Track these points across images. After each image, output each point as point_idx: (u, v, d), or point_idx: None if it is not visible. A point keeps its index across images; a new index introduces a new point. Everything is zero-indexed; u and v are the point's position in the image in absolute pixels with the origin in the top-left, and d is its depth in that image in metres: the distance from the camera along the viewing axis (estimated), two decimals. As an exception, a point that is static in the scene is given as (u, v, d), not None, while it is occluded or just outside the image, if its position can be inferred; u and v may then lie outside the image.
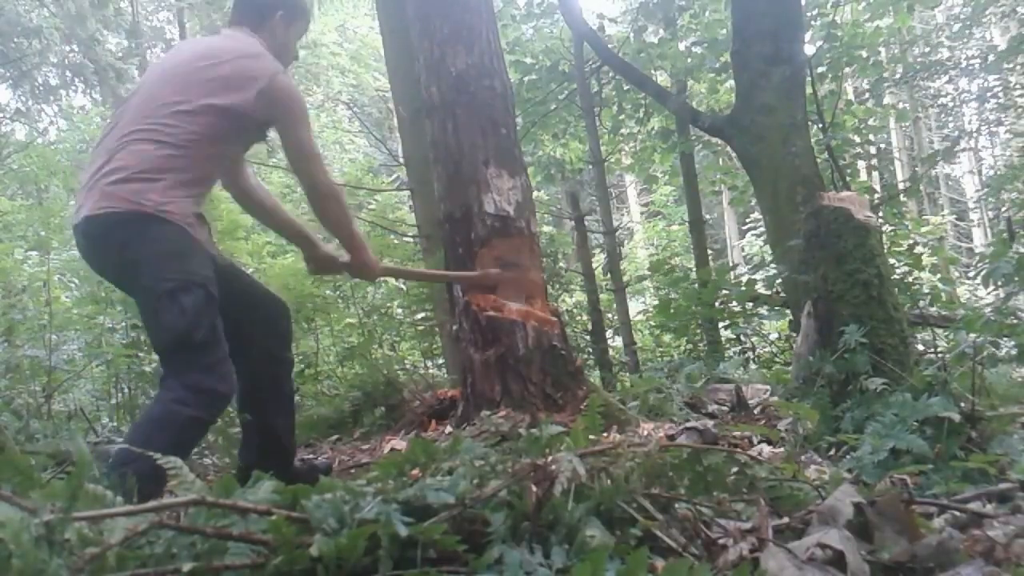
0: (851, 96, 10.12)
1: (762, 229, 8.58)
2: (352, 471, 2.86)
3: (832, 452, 2.26)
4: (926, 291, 5.48)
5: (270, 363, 2.44)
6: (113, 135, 2.17)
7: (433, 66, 3.29)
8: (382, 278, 2.65)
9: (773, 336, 6.82)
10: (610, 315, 7.65)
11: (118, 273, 2.20)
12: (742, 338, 6.38)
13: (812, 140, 5.27)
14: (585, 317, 7.30)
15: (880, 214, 5.87)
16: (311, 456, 3.36)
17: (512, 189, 3.16)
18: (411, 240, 6.13)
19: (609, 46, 7.35)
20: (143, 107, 2.18)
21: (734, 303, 6.01)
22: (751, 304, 6.03)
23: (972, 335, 2.75)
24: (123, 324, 4.84)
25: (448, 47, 3.26)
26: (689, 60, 7.91)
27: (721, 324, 6.49)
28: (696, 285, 6.28)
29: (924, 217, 13.13)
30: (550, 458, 1.06)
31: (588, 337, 6.76)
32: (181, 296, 2.04)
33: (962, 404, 2.04)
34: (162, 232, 2.06)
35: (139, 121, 2.15)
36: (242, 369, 2.41)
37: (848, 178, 6.59)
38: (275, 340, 2.46)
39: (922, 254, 5.57)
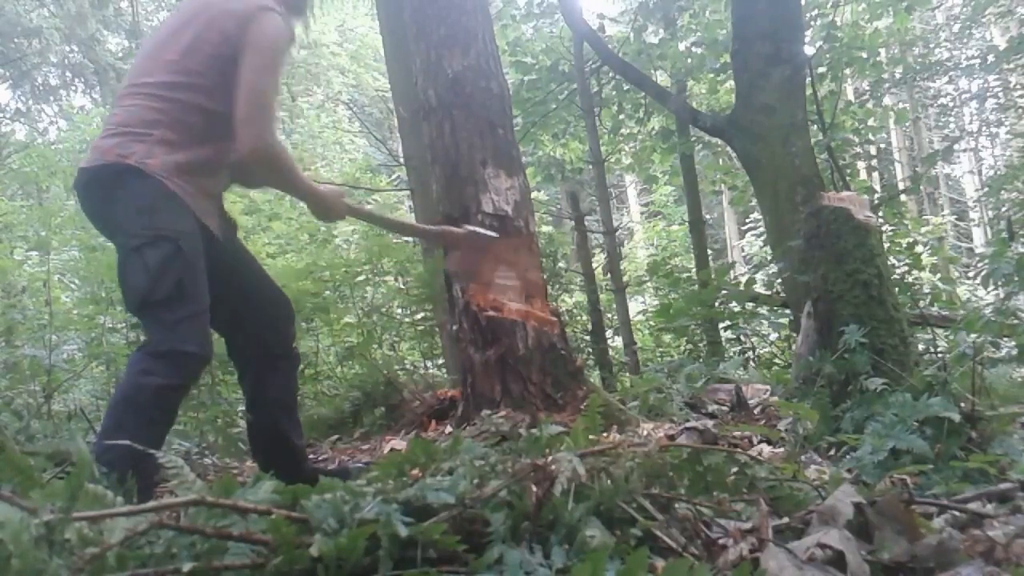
0: (851, 97, 10.12)
1: (762, 229, 8.60)
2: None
3: (832, 452, 2.26)
4: (926, 291, 5.48)
5: (269, 360, 2.31)
6: (118, 95, 2.18)
7: (430, 68, 3.31)
8: (348, 219, 2.41)
9: (773, 336, 6.82)
10: (610, 315, 7.65)
11: (103, 229, 2.15)
12: (742, 338, 6.39)
13: (812, 140, 5.27)
14: (585, 317, 7.30)
15: (880, 214, 5.88)
16: (311, 456, 3.36)
17: (510, 189, 3.17)
18: (411, 240, 6.13)
19: (609, 46, 7.35)
20: (140, 65, 2.15)
21: (734, 303, 6.01)
22: (751, 304, 6.04)
23: (972, 335, 2.75)
24: (123, 324, 4.84)
25: (445, 49, 3.27)
26: (689, 60, 7.91)
27: (721, 324, 6.50)
28: (696, 286, 6.28)
29: (924, 217, 13.13)
30: (550, 458, 1.06)
31: (588, 337, 6.77)
32: (147, 252, 1.95)
33: (962, 404, 2.04)
34: (137, 187, 1.98)
35: (134, 78, 2.12)
36: (241, 364, 2.34)
37: (848, 178, 6.59)
38: (275, 337, 2.34)
39: (921, 253, 5.58)
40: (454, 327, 3.18)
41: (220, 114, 2.06)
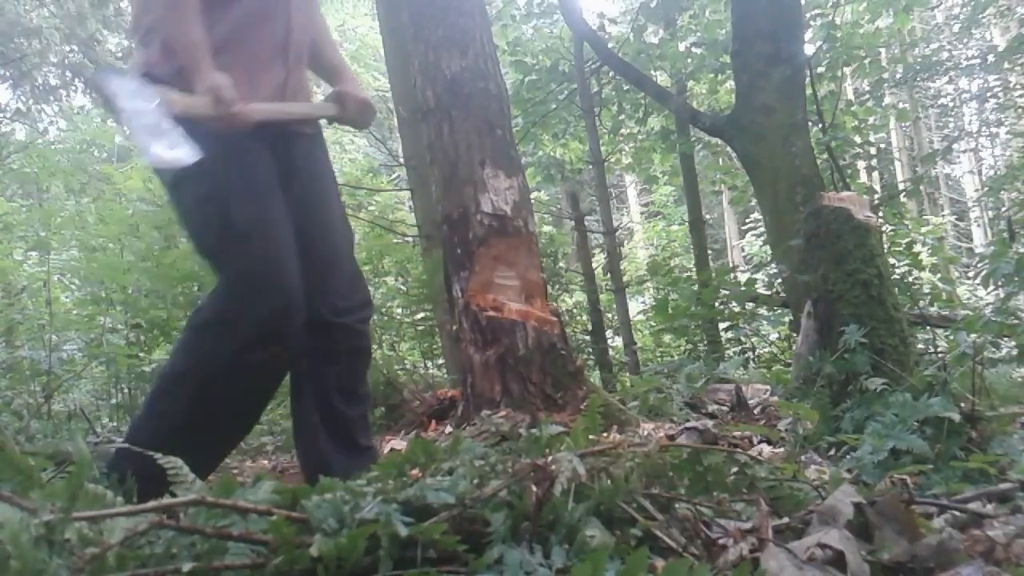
0: (851, 96, 10.12)
1: (762, 229, 8.59)
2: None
3: (832, 452, 2.26)
4: (926, 291, 5.48)
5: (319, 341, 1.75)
6: None
7: (428, 70, 3.33)
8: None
9: (773, 336, 6.82)
10: (610, 315, 7.65)
11: None
12: (742, 338, 6.39)
13: (812, 140, 5.27)
14: (585, 317, 7.31)
15: (880, 214, 5.88)
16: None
17: (509, 189, 3.19)
18: (411, 240, 6.14)
19: (609, 46, 7.35)
20: None
21: (734, 303, 6.02)
22: (751, 304, 6.04)
23: (972, 335, 2.75)
24: (123, 325, 4.84)
25: (443, 51, 3.30)
26: (689, 60, 7.91)
27: (721, 324, 6.50)
28: (696, 286, 6.28)
29: (924, 217, 13.13)
30: (550, 458, 1.06)
31: (588, 337, 6.77)
32: (180, 189, 1.65)
33: (962, 404, 2.04)
34: None
35: None
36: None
37: (848, 178, 6.60)
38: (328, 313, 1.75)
39: (919, 253, 5.57)
40: (454, 327, 3.19)
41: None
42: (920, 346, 4.04)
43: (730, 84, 7.07)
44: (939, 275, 6.52)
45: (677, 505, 1.17)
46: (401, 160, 6.27)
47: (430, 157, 3.36)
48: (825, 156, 6.03)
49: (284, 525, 0.88)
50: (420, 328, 5.62)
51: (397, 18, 5.01)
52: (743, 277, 6.92)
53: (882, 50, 8.87)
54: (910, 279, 5.25)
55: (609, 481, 1.12)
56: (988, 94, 13.12)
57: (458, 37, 3.30)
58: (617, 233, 8.43)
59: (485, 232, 3.10)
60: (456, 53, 3.28)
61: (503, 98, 3.39)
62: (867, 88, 8.79)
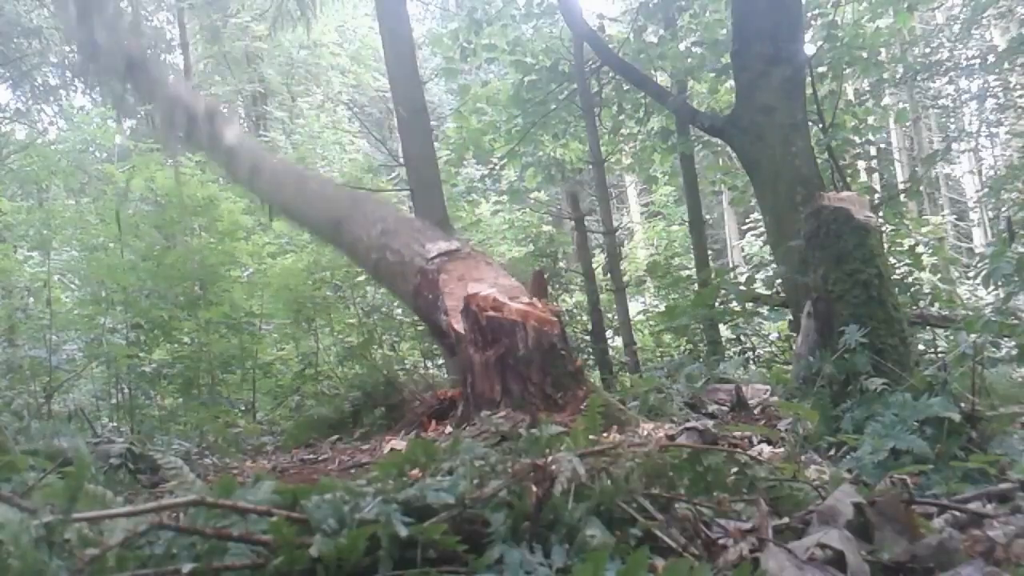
0: (851, 96, 10.12)
1: (762, 229, 8.59)
2: (352, 471, 2.85)
3: (832, 452, 2.26)
4: (926, 291, 5.48)
5: None
6: None
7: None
8: None
9: (773, 336, 6.82)
10: (610, 315, 7.65)
11: None
12: (742, 338, 6.39)
13: (812, 140, 5.27)
14: (585, 317, 7.31)
15: (880, 214, 5.87)
16: (311, 456, 3.36)
17: (448, 240, 3.55)
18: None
19: (609, 46, 7.35)
20: None
21: (734, 303, 6.02)
22: (751, 304, 6.04)
23: (972, 335, 2.75)
24: (123, 325, 4.84)
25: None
26: (689, 60, 7.91)
27: (721, 324, 6.50)
28: (696, 286, 6.29)
29: (924, 217, 13.12)
30: (550, 458, 1.06)
31: (588, 337, 6.77)
32: None
33: (962, 404, 2.04)
34: None
35: None
36: None
37: (848, 178, 6.59)
38: None
39: (922, 254, 5.57)
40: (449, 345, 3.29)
41: None
42: (920, 346, 4.04)
43: (730, 84, 7.06)
44: (939, 275, 6.51)
45: (677, 505, 1.17)
46: (401, 160, 6.26)
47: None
48: (825, 156, 6.03)
49: (284, 525, 0.88)
50: (420, 328, 5.62)
51: (397, 18, 5.02)
52: (743, 277, 6.92)
53: (882, 50, 8.85)
54: (910, 279, 5.25)
55: (609, 481, 1.12)
56: (988, 94, 13.11)
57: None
58: (617, 233, 8.43)
59: (439, 264, 3.38)
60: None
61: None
62: (867, 88, 8.79)
